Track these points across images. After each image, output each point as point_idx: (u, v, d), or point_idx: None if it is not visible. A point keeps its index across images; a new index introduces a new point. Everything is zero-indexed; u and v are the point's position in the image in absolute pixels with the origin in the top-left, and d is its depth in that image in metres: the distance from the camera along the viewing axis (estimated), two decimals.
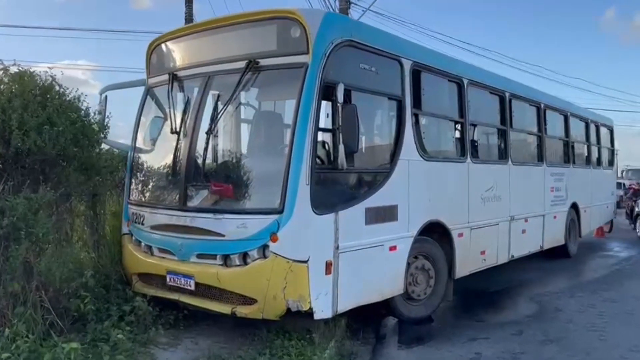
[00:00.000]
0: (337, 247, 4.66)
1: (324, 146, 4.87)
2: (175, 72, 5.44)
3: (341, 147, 4.48)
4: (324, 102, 4.69)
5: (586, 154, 11.37)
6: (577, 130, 10.77)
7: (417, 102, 5.85)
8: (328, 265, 4.57)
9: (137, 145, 5.83)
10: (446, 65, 6.51)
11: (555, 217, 9.41)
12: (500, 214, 7.50)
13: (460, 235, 6.50)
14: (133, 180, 5.71)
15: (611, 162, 12.98)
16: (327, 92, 4.58)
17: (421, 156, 5.84)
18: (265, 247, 4.47)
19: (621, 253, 11.10)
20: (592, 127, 11.66)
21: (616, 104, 59.26)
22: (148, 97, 5.87)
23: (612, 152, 13.02)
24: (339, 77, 4.64)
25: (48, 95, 4.59)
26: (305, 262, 4.38)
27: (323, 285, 4.54)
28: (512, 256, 7.88)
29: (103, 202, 5.85)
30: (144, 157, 5.77)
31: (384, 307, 5.66)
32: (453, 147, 6.82)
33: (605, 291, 7.36)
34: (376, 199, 5.14)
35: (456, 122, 6.76)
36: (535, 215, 8.64)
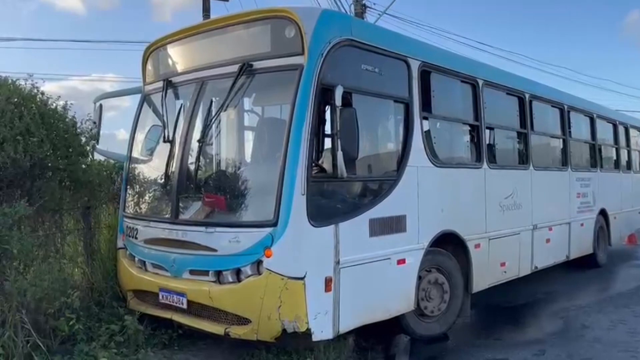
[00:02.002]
0: (338, 262, 4.32)
1: (321, 153, 4.54)
2: (169, 79, 5.19)
3: (340, 154, 4.14)
4: (321, 107, 4.39)
5: (615, 158, 10.77)
6: (604, 132, 10.23)
7: (426, 105, 5.49)
8: (327, 282, 4.23)
9: (132, 155, 5.60)
10: (458, 65, 6.12)
11: (582, 224, 8.88)
12: (522, 222, 7.05)
13: (477, 246, 6.09)
14: (128, 192, 5.48)
15: None
16: (325, 95, 4.27)
17: (432, 162, 5.47)
18: (259, 262, 4.15)
19: None
20: (621, 129, 11.06)
21: None
22: (144, 105, 5.64)
23: None
24: (338, 79, 4.31)
25: (32, 105, 4.36)
26: (302, 278, 4.05)
27: (322, 304, 4.20)
28: (536, 267, 7.42)
29: (97, 215, 5.61)
30: (139, 168, 5.53)
31: (395, 325, 5.29)
32: (468, 152, 6.41)
33: (638, 305, 6.80)
34: (381, 209, 4.79)
35: (471, 126, 6.35)
36: (561, 223, 8.15)
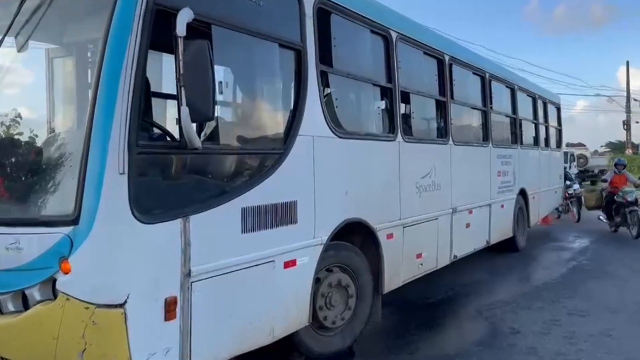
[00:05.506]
0: (188, 274, 2.91)
1: (155, 112, 3.06)
2: None
3: (185, 111, 2.70)
4: (160, 42, 2.90)
5: (534, 134, 10.11)
6: (524, 106, 9.45)
7: (325, 56, 4.19)
8: (169, 305, 2.80)
9: None
10: (367, 9, 4.81)
11: (502, 206, 8.09)
12: (440, 205, 6.01)
13: (390, 236, 4.94)
14: None
15: (559, 143, 11.87)
16: (162, 22, 2.79)
17: (333, 131, 4.20)
18: (53, 282, 2.65)
19: (573, 244, 9.95)
20: (540, 104, 10.43)
21: (553, 87, 60.11)
22: None
23: (559, 131, 11.91)
24: None
25: None
26: (120, 305, 2.58)
27: (159, 340, 2.78)
28: (455, 256, 6.45)
29: None
30: None
31: (286, 341, 3.99)
32: (379, 120, 5.20)
33: (569, 299, 5.96)
34: (260, 194, 3.43)
35: (382, 89, 5.12)
36: (481, 205, 7.25)
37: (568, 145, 24.74)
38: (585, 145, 37.70)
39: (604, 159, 35.39)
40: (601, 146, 55.32)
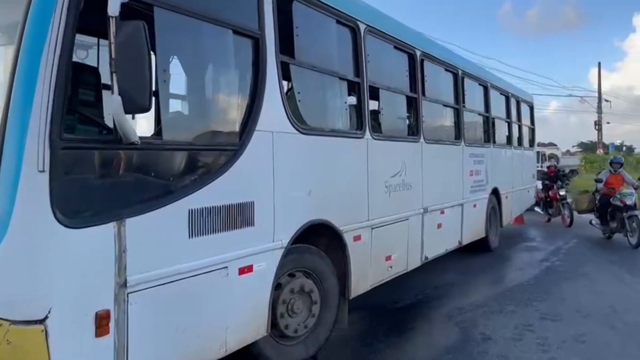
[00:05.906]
0: (124, 284, 2.60)
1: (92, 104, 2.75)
2: None
3: (117, 100, 2.39)
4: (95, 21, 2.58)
5: (507, 133, 9.99)
6: (497, 104, 9.32)
7: (286, 46, 3.91)
8: (100, 320, 2.49)
9: None
10: None
11: (475, 205, 7.93)
12: (411, 205, 5.79)
13: (357, 238, 4.69)
14: None
15: (532, 142, 11.80)
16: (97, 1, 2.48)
17: (295, 127, 3.93)
18: None
19: (546, 244, 9.85)
20: (513, 102, 10.31)
21: (527, 87, 60.96)
22: None
23: (532, 131, 11.84)
24: None
25: None
26: (40, 321, 2.26)
27: (89, 359, 2.47)
28: (426, 258, 6.24)
29: None
30: None
31: (243, 353, 3.70)
32: (346, 116, 4.93)
33: (542, 301, 5.80)
34: (211, 195, 3.14)
35: (350, 83, 4.86)
36: (453, 205, 7.07)
37: (539, 145, 24.96)
38: (556, 145, 38.25)
39: (575, 159, 35.93)
40: (573, 146, 56.33)
